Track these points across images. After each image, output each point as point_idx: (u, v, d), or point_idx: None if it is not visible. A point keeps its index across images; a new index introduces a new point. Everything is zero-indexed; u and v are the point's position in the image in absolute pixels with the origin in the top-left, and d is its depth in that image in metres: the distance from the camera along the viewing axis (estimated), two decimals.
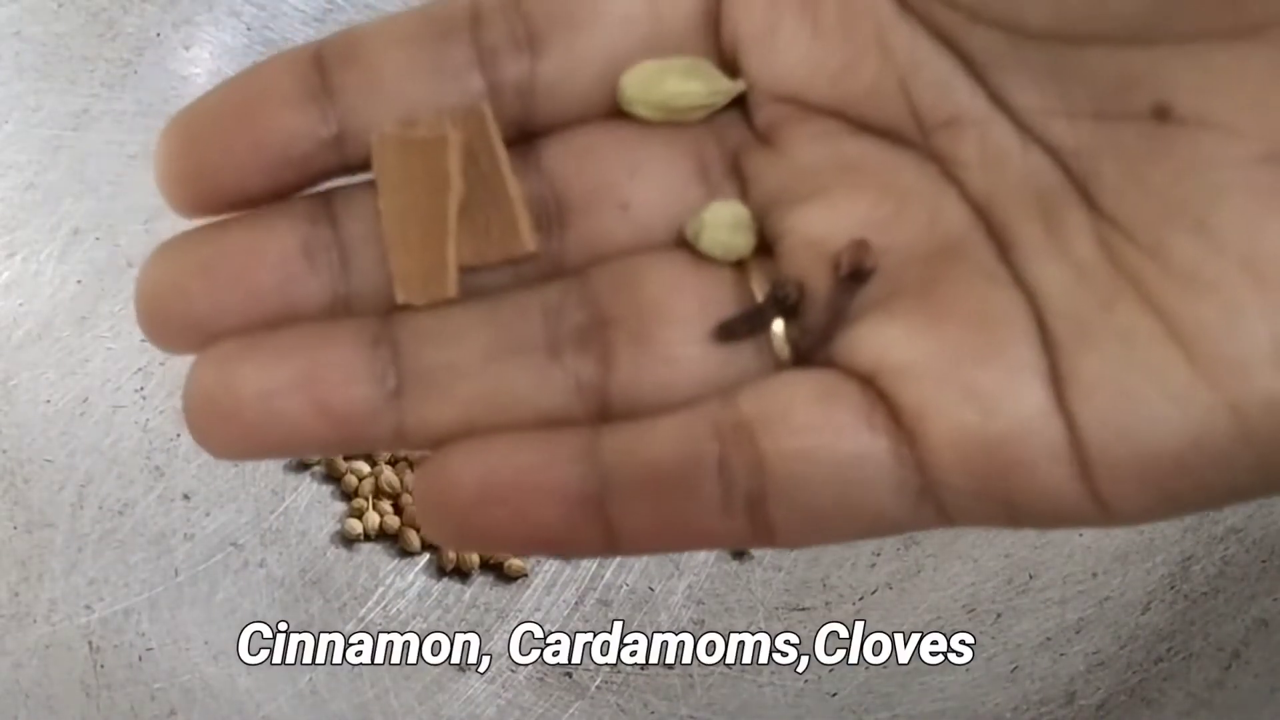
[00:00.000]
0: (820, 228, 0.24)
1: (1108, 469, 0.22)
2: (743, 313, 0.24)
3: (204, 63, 0.57)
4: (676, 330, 0.24)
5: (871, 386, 0.23)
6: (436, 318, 0.24)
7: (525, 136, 0.25)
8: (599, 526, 0.23)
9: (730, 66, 0.25)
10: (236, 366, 0.23)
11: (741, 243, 0.25)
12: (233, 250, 0.23)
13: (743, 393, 0.23)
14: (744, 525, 0.23)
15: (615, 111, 0.25)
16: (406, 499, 0.52)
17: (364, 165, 0.24)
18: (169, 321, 0.23)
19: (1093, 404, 0.22)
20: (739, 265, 0.25)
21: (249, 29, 0.58)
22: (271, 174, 0.24)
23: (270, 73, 0.24)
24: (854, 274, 0.23)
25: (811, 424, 0.23)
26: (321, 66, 0.24)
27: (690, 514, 0.23)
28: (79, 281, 0.53)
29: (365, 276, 0.24)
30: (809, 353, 0.24)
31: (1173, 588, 0.50)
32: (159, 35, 0.57)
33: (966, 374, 0.22)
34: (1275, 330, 0.21)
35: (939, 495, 0.23)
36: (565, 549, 0.23)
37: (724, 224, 0.24)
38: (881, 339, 0.23)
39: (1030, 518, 0.23)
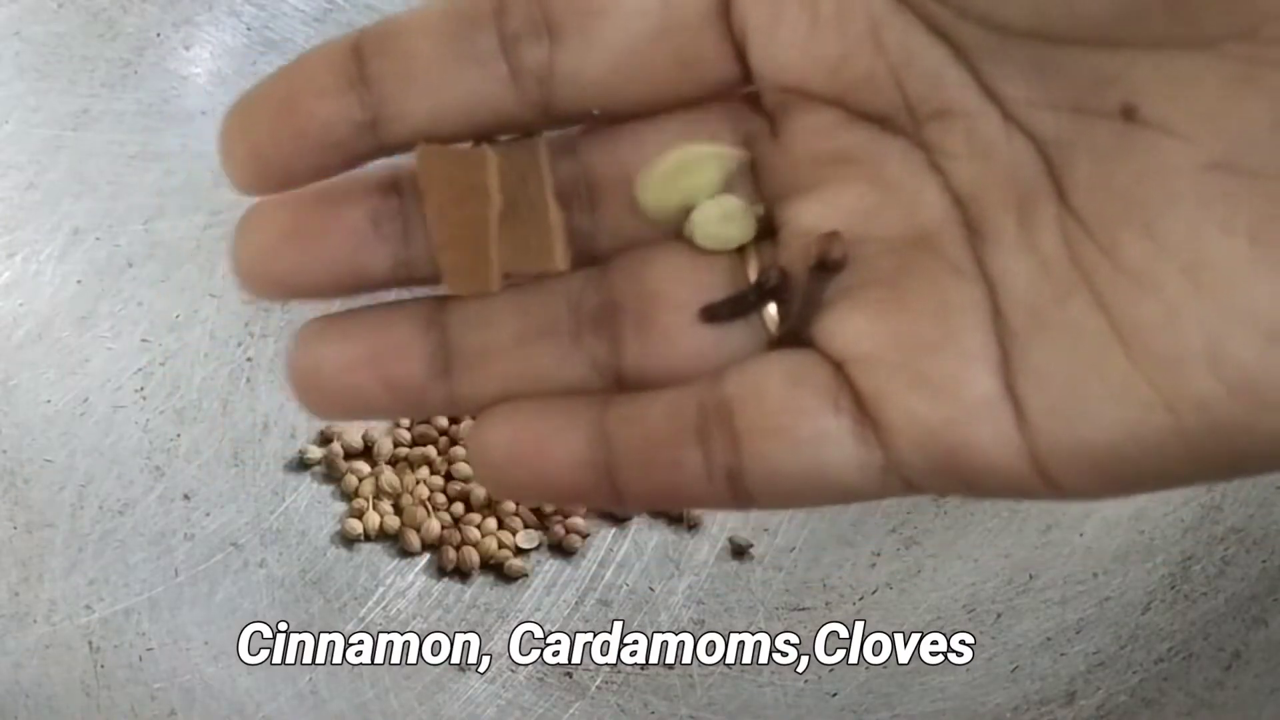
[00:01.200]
0: (811, 219, 0.26)
1: (1052, 453, 0.24)
2: (728, 297, 0.26)
3: (204, 63, 0.57)
4: (674, 315, 0.26)
5: (841, 371, 0.25)
6: (478, 305, 0.27)
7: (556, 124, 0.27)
8: (607, 484, 0.26)
9: (740, 56, 0.27)
10: (319, 347, 0.27)
11: (733, 232, 0.26)
12: (312, 219, 0.26)
13: (729, 372, 0.26)
14: (725, 492, 0.25)
15: (637, 105, 0.27)
16: (406, 499, 0.52)
17: (400, 148, 0.26)
18: (261, 278, 0.27)
19: (1040, 392, 0.24)
20: (740, 252, 0.27)
21: (249, 29, 0.58)
22: (315, 157, 0.26)
23: (312, 63, 0.26)
24: (822, 264, 0.25)
25: (780, 405, 0.25)
26: (359, 56, 0.26)
27: (678, 480, 0.26)
28: (79, 281, 0.53)
29: (424, 245, 0.27)
30: (788, 336, 0.26)
31: (1173, 588, 0.50)
32: (159, 35, 0.57)
33: (919, 362, 0.24)
34: (1209, 335, 0.22)
35: (901, 472, 0.25)
36: (582, 501, 0.27)
37: (713, 219, 0.26)
38: (848, 327, 0.25)
39: (986, 492, 0.25)
